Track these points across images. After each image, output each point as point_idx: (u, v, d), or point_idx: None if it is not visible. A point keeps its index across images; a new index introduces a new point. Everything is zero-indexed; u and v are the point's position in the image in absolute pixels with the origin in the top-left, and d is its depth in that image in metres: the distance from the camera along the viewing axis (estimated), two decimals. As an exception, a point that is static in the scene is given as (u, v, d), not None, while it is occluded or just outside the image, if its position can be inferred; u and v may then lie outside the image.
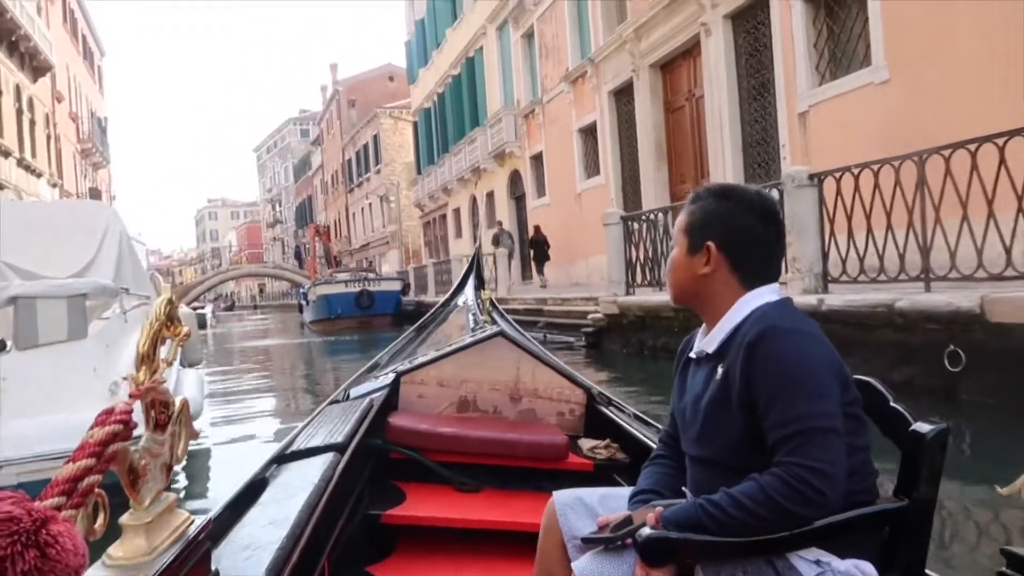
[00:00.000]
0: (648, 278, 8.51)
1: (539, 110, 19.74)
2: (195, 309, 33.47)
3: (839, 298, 5.23)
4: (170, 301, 1.11)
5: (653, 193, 14.15)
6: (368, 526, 2.26)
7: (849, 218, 5.59)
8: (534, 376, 2.93)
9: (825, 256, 5.79)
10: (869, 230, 5.32)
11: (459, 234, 28.58)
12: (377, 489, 2.45)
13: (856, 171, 5.49)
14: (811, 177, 5.88)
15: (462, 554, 2.29)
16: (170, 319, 1.10)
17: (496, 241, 18.98)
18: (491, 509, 2.41)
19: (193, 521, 1.14)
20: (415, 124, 34.41)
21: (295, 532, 1.49)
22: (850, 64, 9.34)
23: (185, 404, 1.15)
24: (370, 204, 43.77)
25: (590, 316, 9.03)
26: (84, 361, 3.87)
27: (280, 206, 77.48)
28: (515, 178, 22.77)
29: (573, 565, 1.35)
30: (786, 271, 6.02)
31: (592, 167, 17.26)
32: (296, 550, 1.46)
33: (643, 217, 9.24)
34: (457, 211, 29.04)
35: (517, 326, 3.99)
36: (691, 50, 12.96)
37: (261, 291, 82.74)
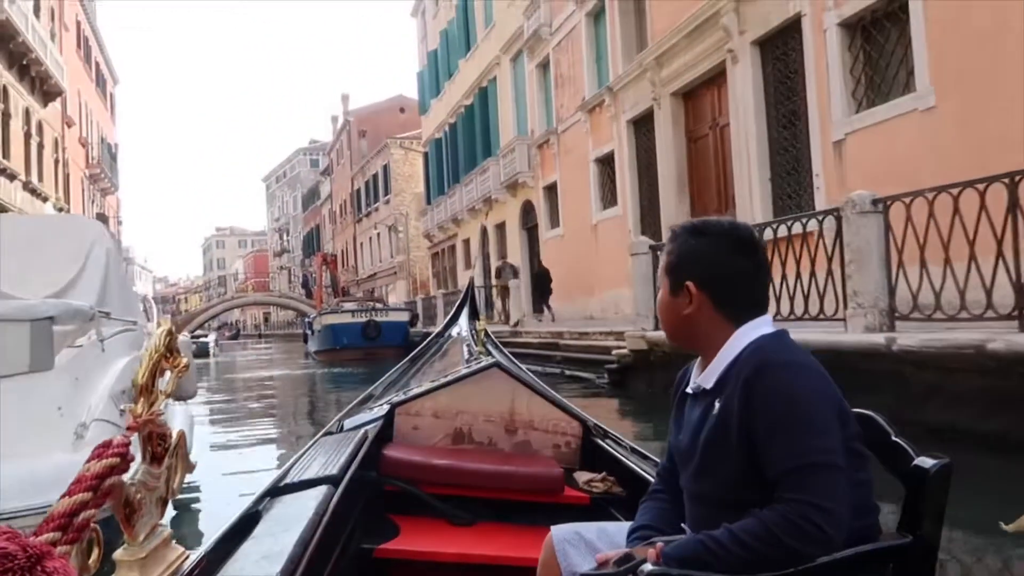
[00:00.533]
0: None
1: (554, 140, 19.38)
2: (197, 337, 33.03)
3: (914, 337, 4.67)
4: (170, 332, 1.09)
5: (675, 220, 13.55)
6: (362, 560, 2.22)
7: (922, 248, 5.05)
8: (529, 408, 2.90)
9: (892, 290, 5.24)
10: (947, 261, 4.77)
11: (468, 265, 28.12)
12: (371, 522, 2.42)
13: (931, 195, 4.95)
14: (875, 202, 5.34)
15: None
16: (169, 350, 1.08)
17: (498, 274, 18.91)
18: (486, 543, 2.37)
19: (187, 556, 1.13)
20: (425, 154, 34.20)
21: (288, 567, 1.45)
22: (890, 91, 8.88)
23: (182, 436, 1.10)
24: (378, 234, 43.46)
25: (614, 352, 8.45)
26: (47, 398, 3.31)
27: (288, 235, 77.45)
28: (527, 209, 22.35)
29: None
30: (845, 306, 5.49)
31: (609, 198, 16.82)
32: None
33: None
34: (467, 242, 28.62)
35: (512, 357, 3.99)
36: (715, 78, 12.56)
37: (266, 320, 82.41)
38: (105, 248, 5.25)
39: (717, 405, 1.35)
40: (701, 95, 13.21)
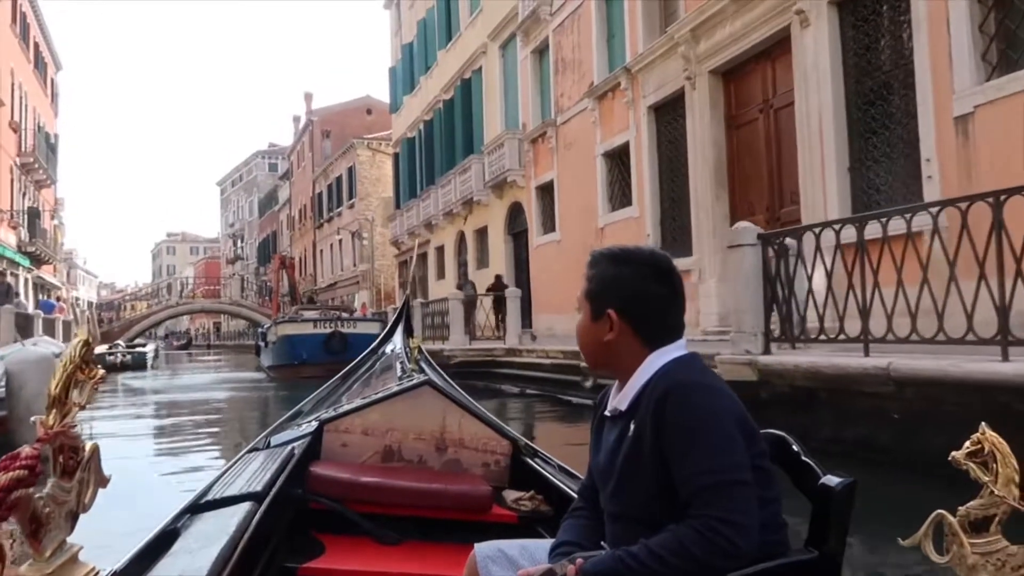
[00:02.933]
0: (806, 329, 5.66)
1: (551, 133, 17.12)
2: (134, 346, 29.86)
3: None
4: (86, 343, 1.07)
5: (710, 227, 11.45)
6: None
7: None
8: (460, 426, 2.89)
9: None
10: None
11: (442, 275, 25.68)
12: (295, 541, 2.38)
13: None
14: None
15: None
16: (85, 362, 1.06)
17: (459, 288, 17.79)
18: (412, 562, 2.35)
19: (98, 573, 1.10)
20: (396, 155, 31.72)
21: None
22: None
23: (95, 450, 1.08)
24: (340, 240, 40.70)
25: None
26: None
27: (242, 242, 73.98)
28: (515, 212, 20.03)
29: None
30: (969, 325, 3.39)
31: (621, 197, 14.58)
32: None
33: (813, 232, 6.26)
34: (441, 249, 26.17)
35: (445, 375, 3.94)
36: (771, 50, 10.44)
37: (217, 329, 78.58)
38: None
39: (632, 427, 1.38)
40: (748, 72, 11.07)
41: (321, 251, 44.86)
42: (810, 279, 5.99)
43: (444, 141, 24.93)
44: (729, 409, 1.33)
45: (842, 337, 5.58)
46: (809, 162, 9.46)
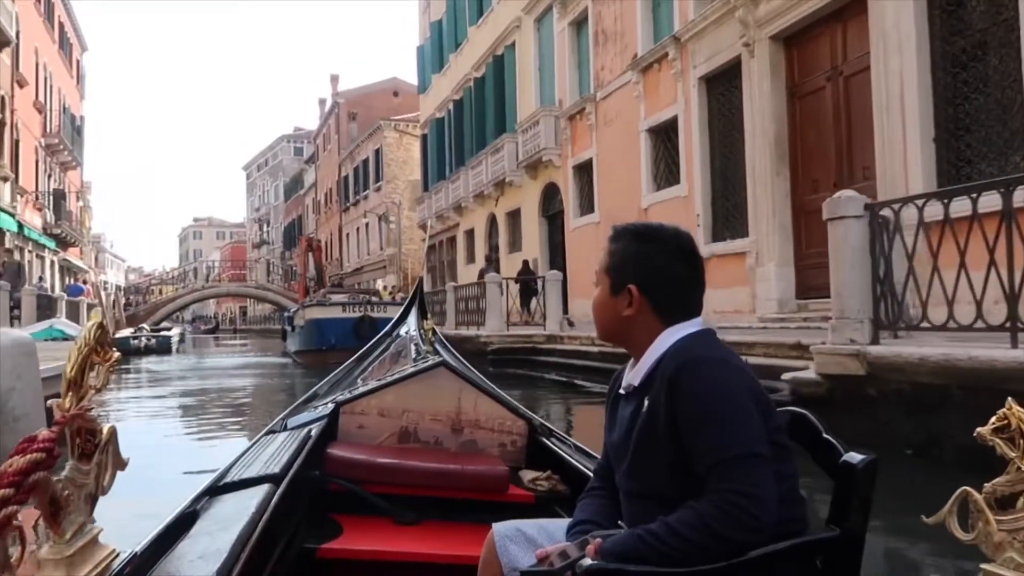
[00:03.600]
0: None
1: (590, 109, 16.29)
2: (158, 330, 29.53)
3: None
4: (101, 325, 1.07)
5: (768, 206, 10.60)
6: (304, 560, 2.16)
7: None
8: (476, 407, 2.89)
9: None
10: None
11: (471, 258, 24.94)
12: (314, 522, 2.37)
13: None
14: None
15: None
16: (100, 344, 1.06)
17: (481, 276, 17.15)
18: (430, 542, 2.34)
19: (118, 555, 1.10)
20: (423, 137, 31.00)
21: (226, 567, 1.41)
22: None
23: (113, 432, 1.08)
24: (367, 224, 40.13)
25: (788, 378, 5.30)
26: None
27: (268, 226, 73.90)
28: (550, 193, 19.24)
29: None
30: None
31: (667, 175, 13.75)
32: None
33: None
34: (470, 232, 25.45)
35: (459, 356, 3.93)
36: (842, 11, 9.55)
37: (244, 314, 78.75)
38: None
39: (646, 403, 1.38)
40: (815, 37, 10.17)
41: (347, 235, 44.34)
42: (911, 257, 5.18)
43: (474, 121, 24.17)
44: (743, 382, 1.31)
45: (953, 325, 4.79)
46: (887, 133, 8.59)
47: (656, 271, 1.44)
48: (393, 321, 5.00)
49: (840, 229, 5.07)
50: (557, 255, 18.66)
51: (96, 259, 61.52)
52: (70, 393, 1.01)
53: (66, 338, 11.13)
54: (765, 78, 10.71)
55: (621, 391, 1.50)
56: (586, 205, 16.98)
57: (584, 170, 17.02)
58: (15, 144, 24.67)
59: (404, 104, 41.15)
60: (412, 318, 4.82)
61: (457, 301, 16.07)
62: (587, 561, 1.25)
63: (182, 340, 31.42)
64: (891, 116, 8.53)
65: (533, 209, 19.96)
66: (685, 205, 12.77)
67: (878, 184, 8.69)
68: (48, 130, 29.77)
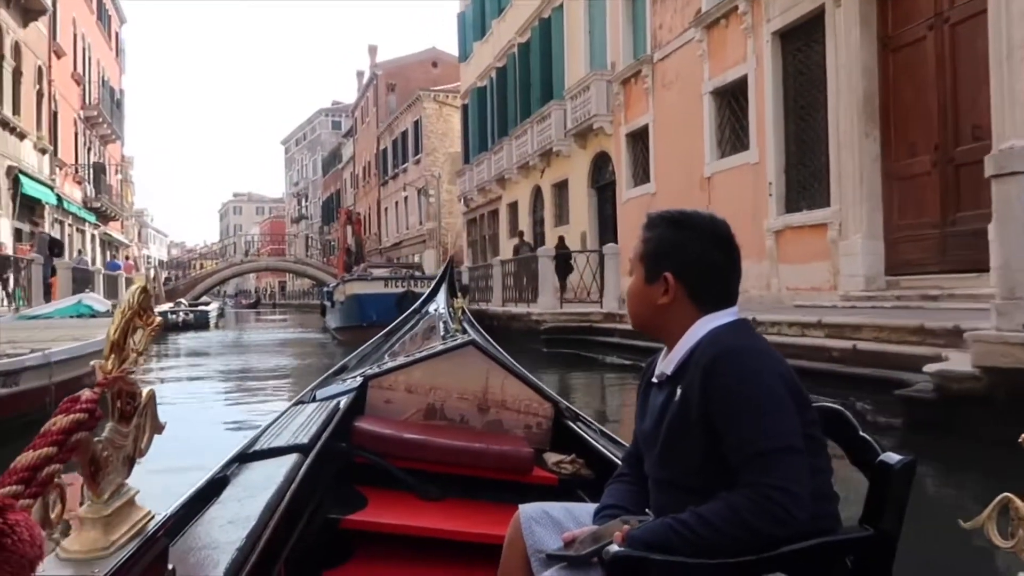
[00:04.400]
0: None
1: (647, 71, 15.22)
2: (197, 304, 29.24)
3: None
4: (144, 290, 1.09)
5: (855, 172, 9.54)
6: (328, 530, 2.18)
7: None
8: (503, 387, 2.89)
9: None
10: None
11: (514, 232, 24.02)
12: (339, 493, 2.39)
13: None
14: None
15: (421, 563, 2.24)
16: (143, 309, 1.08)
17: (516, 252, 16.81)
18: (453, 519, 2.35)
19: (153, 517, 1.11)
20: (464, 107, 30.09)
21: (254, 533, 1.46)
22: None
23: (152, 396, 1.10)
24: (406, 198, 39.45)
25: (936, 371, 4.38)
26: None
27: (306, 200, 73.88)
28: (600, 162, 18.25)
29: None
30: None
31: (733, 141, 12.69)
32: (254, 552, 1.42)
33: None
34: (514, 205, 24.57)
35: (487, 336, 3.86)
36: (949, -51, 8.40)
37: (282, 288, 79.10)
38: None
39: (679, 392, 1.36)
40: (914, -20, 9.03)
41: (386, 209, 43.74)
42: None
43: (519, 88, 23.19)
44: (780, 374, 1.29)
45: None
46: (1007, 87, 7.49)
47: (693, 259, 1.42)
48: (423, 298, 5.01)
49: (1011, 188, 4.10)
50: (607, 229, 17.72)
51: (139, 234, 62.02)
52: (112, 355, 1.02)
53: (94, 314, 10.58)
54: (854, 29, 9.59)
55: (654, 379, 1.48)
56: (640, 175, 15.98)
57: (639, 138, 16.00)
58: (53, 116, 24.32)
59: (443, 75, 40.25)
60: (441, 296, 4.85)
61: (504, 276, 15.24)
62: (615, 547, 1.24)
63: (222, 315, 31.06)
64: (1012, 68, 7.42)
65: (582, 180, 19.00)
66: (755, 173, 11.73)
67: (995, 144, 7.60)
68: (87, 102, 29.45)
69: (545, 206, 21.73)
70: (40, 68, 22.82)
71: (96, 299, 11.78)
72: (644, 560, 1.21)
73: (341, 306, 18.55)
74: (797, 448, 1.22)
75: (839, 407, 1.44)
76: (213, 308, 27.33)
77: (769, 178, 11.37)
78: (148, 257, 52.26)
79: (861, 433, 1.38)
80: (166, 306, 24.67)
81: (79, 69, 28.25)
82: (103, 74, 32.65)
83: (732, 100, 12.66)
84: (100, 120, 30.84)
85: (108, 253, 33.50)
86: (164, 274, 42.26)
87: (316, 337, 21.81)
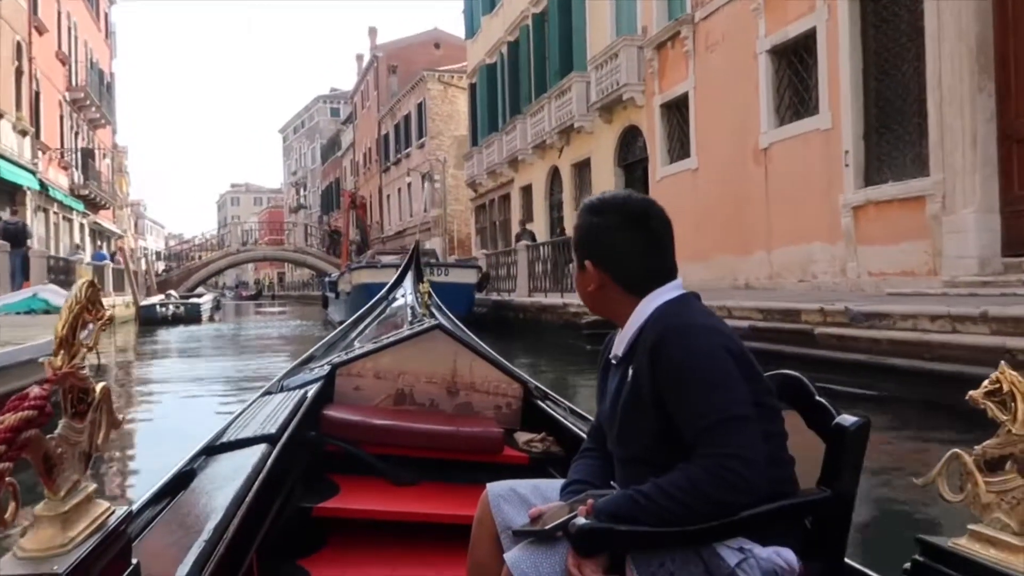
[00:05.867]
0: None
1: (686, 32, 13.64)
2: (188, 297, 27.63)
3: None
4: (91, 284, 1.07)
5: (964, 133, 8.02)
6: (299, 519, 2.21)
7: None
8: (471, 369, 2.92)
9: None
10: None
11: (529, 218, 22.49)
12: (310, 482, 2.41)
13: None
14: None
15: (396, 547, 2.25)
16: (92, 303, 1.07)
17: (517, 240, 16.14)
18: (426, 502, 2.38)
19: (113, 512, 1.10)
20: (472, 87, 28.48)
21: (222, 525, 1.45)
22: None
23: (107, 391, 1.09)
24: (409, 184, 37.85)
25: None
26: None
27: (305, 190, 72.31)
28: (628, 138, 16.71)
29: (505, 556, 1.35)
30: None
31: (796, 105, 11.16)
32: (222, 543, 1.41)
33: None
34: (527, 189, 23.02)
35: (455, 319, 4.01)
36: None
37: (280, 280, 77.61)
38: None
39: (630, 373, 1.39)
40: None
41: (388, 196, 42.11)
42: None
43: (534, 62, 21.61)
44: (724, 346, 1.30)
45: None
46: None
47: (607, 245, 1.43)
48: (390, 284, 5.02)
49: None
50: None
51: (135, 225, 60.45)
52: (62, 351, 1.01)
53: (48, 310, 9.07)
54: (961, -37, 8.04)
55: (611, 359, 1.49)
56: (678, 149, 14.44)
57: (676, 108, 14.44)
58: (35, 96, 22.75)
59: (447, 56, 38.64)
60: (408, 281, 4.87)
61: (532, 263, 13.68)
62: (581, 520, 1.26)
63: (217, 307, 29.24)
64: None
65: (607, 158, 17.44)
66: (826, 141, 10.20)
67: None
68: (73, 84, 27.85)
69: (564, 188, 20.17)
70: (19, 44, 21.23)
71: (56, 292, 10.24)
72: (610, 531, 1.24)
73: (347, 297, 17.01)
74: (747, 416, 1.24)
75: (795, 374, 1.44)
76: (207, 300, 25.59)
77: (845, 146, 9.83)
78: (144, 249, 50.58)
79: (817, 398, 1.38)
80: (155, 298, 23.05)
81: (64, 48, 26.65)
82: (91, 55, 31.01)
83: (794, 58, 11.11)
84: (88, 103, 29.23)
85: (99, 243, 31.93)
86: (162, 265, 40.75)
87: (318, 332, 20.28)
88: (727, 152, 12.49)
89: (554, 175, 21.01)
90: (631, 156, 16.69)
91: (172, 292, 25.67)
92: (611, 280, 1.42)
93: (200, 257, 37.57)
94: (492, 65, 25.64)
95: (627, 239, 1.41)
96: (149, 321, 20.31)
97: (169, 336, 17.48)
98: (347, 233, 23.79)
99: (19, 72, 21.29)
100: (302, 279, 61.84)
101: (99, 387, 1.07)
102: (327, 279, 23.30)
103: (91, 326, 1.06)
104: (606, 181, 17.48)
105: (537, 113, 20.67)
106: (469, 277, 15.47)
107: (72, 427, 1.03)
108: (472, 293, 15.35)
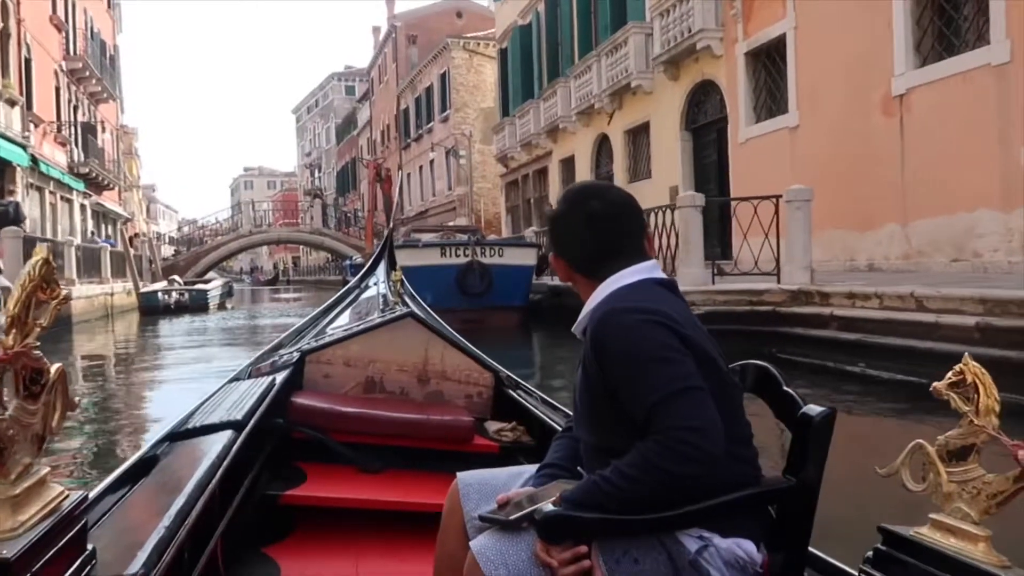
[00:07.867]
0: None
1: (784, -38, 11.30)
2: (194, 283, 25.56)
3: None
4: (46, 261, 1.03)
5: None
6: (266, 507, 2.19)
7: None
8: (443, 358, 2.90)
9: None
10: None
11: (571, 193, 20.22)
12: (277, 470, 2.38)
13: None
14: None
15: (363, 535, 2.23)
16: (46, 281, 1.03)
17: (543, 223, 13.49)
18: (394, 490, 2.36)
19: (67, 496, 1.07)
20: (502, 52, 26.16)
21: (184, 511, 1.42)
22: None
23: (62, 372, 1.05)
24: (432, 161, 35.64)
25: None
26: None
27: (319, 172, 70.25)
28: (699, 97, 14.41)
29: (471, 544, 1.33)
30: None
31: (951, 37, 8.83)
32: (183, 529, 1.38)
33: None
34: (568, 161, 20.77)
35: (427, 307, 3.94)
36: None
37: (295, 264, 75.73)
38: None
39: (582, 361, 1.40)
40: None
41: (408, 175, 39.90)
42: None
43: (577, 17, 19.28)
44: (662, 324, 1.27)
45: None
46: None
47: (558, 232, 1.46)
48: (362, 272, 5.00)
49: None
50: (707, 180, 13.92)
51: (147, 209, 58.67)
52: (13, 330, 0.98)
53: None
54: None
55: None
56: (772, 106, 12.15)
57: (767, 55, 12.13)
58: (25, 63, 20.65)
59: (469, 26, 36.31)
60: (381, 269, 4.86)
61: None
62: (548, 506, 1.26)
63: (229, 294, 26.82)
64: None
65: (672, 121, 15.13)
66: (996, 84, 7.89)
67: None
68: (71, 52, 25.74)
69: (615, 158, 17.91)
70: (3, 2, 19.10)
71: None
72: (575, 519, 1.23)
73: (376, 283, 14.80)
74: (693, 387, 1.22)
75: (764, 364, 1.43)
76: (215, 286, 23.23)
77: (1031, 83, 7.54)
78: (158, 234, 48.71)
79: (785, 388, 1.38)
80: (157, 285, 20.90)
81: (60, 13, 24.53)
82: (91, 24, 28.87)
83: (946, -21, 8.79)
84: (88, 75, 27.11)
85: (103, 226, 29.97)
86: (170, 249, 38.80)
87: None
88: (841, 103, 10.19)
89: (602, 143, 18.74)
90: (702, 117, 14.39)
91: (176, 278, 23.35)
92: (570, 267, 1.44)
93: (208, 241, 35.57)
94: (526, 26, 23.31)
95: (572, 223, 1.42)
96: (150, 310, 18.22)
97: (170, 330, 15.33)
98: (372, 207, 21.28)
99: (4, 34, 19.20)
100: (318, 263, 59.90)
101: (54, 368, 1.03)
102: (348, 263, 21.12)
103: (44, 306, 1.01)
104: (670, 148, 15.20)
105: (584, 74, 18.35)
106: (528, 258, 13.00)
107: (24, 408, 1.00)
108: (531, 277, 13.04)
